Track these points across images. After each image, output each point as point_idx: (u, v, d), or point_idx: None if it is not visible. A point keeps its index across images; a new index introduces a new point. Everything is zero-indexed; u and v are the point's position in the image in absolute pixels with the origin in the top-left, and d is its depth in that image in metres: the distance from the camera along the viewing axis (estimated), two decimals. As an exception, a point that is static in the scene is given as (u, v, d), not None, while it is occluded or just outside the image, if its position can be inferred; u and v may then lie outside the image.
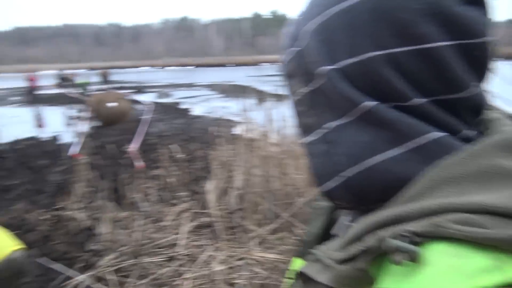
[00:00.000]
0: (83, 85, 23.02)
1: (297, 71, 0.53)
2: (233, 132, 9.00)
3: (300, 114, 0.55)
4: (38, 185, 7.38)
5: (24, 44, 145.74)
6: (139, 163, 7.09)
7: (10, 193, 6.98)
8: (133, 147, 8.03)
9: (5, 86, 39.67)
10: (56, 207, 5.97)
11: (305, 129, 0.54)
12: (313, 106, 0.52)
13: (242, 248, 4.24)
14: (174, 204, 5.70)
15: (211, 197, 5.37)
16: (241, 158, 5.65)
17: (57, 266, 4.08)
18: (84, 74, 38.53)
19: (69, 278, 3.87)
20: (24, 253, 2.61)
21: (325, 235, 0.60)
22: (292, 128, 5.69)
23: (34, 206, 6.04)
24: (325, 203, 0.62)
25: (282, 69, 0.58)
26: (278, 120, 5.72)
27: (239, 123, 10.13)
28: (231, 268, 3.89)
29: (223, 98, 23.86)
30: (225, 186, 5.64)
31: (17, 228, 5.09)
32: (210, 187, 5.66)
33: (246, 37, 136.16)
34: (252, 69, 66.34)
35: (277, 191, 4.76)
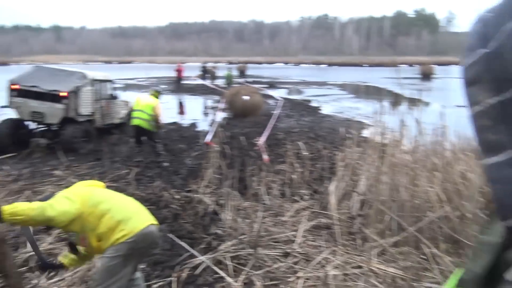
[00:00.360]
0: (228, 78, 24.15)
1: (484, 77, 0.43)
2: (362, 135, 8.71)
3: (482, 129, 0.45)
4: (175, 167, 8.11)
5: (175, 38, 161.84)
6: (266, 157, 7.31)
7: (152, 171, 7.80)
8: (262, 140, 8.31)
9: (157, 75, 44.55)
10: (188, 189, 6.50)
11: (488, 147, 0.45)
12: (503, 120, 0.42)
13: (360, 256, 4.07)
14: (295, 201, 5.75)
15: (332, 198, 5.27)
16: (368, 163, 5.43)
17: (182, 244, 4.43)
18: (223, 68, 41.10)
19: (192, 256, 4.16)
20: (157, 228, 2.88)
21: (491, 277, 0.49)
22: (428, 136, 5.27)
23: (170, 186, 6.66)
24: (494, 238, 0.51)
25: (462, 74, 0.49)
26: (413, 126, 5.33)
27: (369, 126, 9.76)
28: (346, 275, 3.76)
29: (354, 99, 23.28)
30: (348, 189, 5.48)
31: (154, 204, 5.67)
32: (333, 188, 5.56)
33: (386, 37, 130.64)
34: (389, 70, 63.38)
35: (404, 202, 4.45)
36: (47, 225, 2.67)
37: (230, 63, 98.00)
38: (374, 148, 5.52)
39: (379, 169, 4.92)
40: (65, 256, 3.02)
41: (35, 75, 9.66)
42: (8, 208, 2.34)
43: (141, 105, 8.37)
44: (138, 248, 2.73)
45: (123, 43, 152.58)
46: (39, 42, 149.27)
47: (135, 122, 8.27)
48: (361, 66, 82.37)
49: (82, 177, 6.97)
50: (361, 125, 12.14)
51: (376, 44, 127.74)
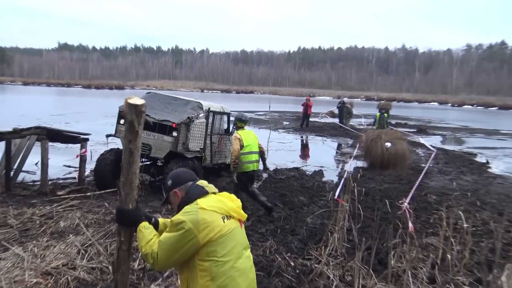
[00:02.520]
0: (380, 120, 21.96)
1: None
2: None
3: None
4: (292, 225, 8.03)
5: (305, 66, 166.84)
6: (411, 225, 6.84)
7: (264, 227, 7.82)
8: (407, 202, 7.84)
9: (279, 109, 46.05)
10: (307, 256, 6.33)
11: None
12: None
13: None
14: (450, 291, 5.22)
15: (505, 295, 4.65)
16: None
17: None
18: (361, 104, 40.86)
19: None
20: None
21: None
22: None
23: (284, 248, 6.57)
24: None
25: None
26: None
27: None
28: None
29: (538, 156, 21.11)
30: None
31: (263, 269, 5.61)
32: (506, 279, 4.93)
33: None
34: None
35: None
36: None
37: (370, 99, 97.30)
38: None
39: None
40: None
41: (146, 102, 10.51)
42: (142, 227, 2.85)
43: (251, 144, 8.52)
44: None
45: (245, 70, 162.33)
46: (157, 65, 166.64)
47: (252, 167, 8.40)
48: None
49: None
50: (549, 194, 10.85)
51: None
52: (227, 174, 11.93)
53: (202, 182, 2.98)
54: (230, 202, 2.89)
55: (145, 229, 2.83)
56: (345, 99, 32.69)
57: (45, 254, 5.60)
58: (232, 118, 11.31)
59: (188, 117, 9.92)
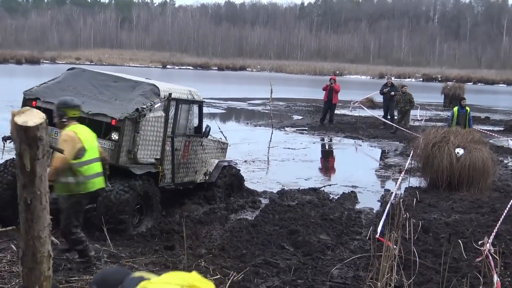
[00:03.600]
0: (459, 118, 20.53)
1: None
2: None
3: None
4: (309, 279, 7.93)
5: (329, 28, 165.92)
6: (497, 278, 6.80)
7: (265, 282, 7.72)
8: (489, 242, 7.79)
9: (286, 95, 46.06)
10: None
11: None
12: None
13: None
14: None
15: None
16: None
17: None
18: (416, 87, 40.58)
19: None
20: None
21: None
22: None
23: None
24: None
25: None
26: None
27: None
28: None
29: None
30: None
31: None
32: None
33: None
34: None
35: None
36: None
37: (428, 79, 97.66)
38: None
39: None
40: None
41: (68, 85, 10.39)
42: None
43: (94, 146, 8.07)
44: None
45: (233, 33, 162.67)
46: (93, 26, 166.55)
47: (99, 183, 8.08)
48: None
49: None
50: None
51: None
52: (201, 197, 11.84)
53: (140, 273, 3.02)
54: (188, 274, 2.86)
55: None
56: (391, 79, 31.77)
57: None
58: (195, 109, 11.27)
59: (137, 109, 9.74)
